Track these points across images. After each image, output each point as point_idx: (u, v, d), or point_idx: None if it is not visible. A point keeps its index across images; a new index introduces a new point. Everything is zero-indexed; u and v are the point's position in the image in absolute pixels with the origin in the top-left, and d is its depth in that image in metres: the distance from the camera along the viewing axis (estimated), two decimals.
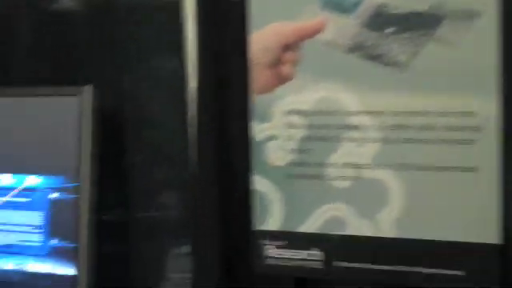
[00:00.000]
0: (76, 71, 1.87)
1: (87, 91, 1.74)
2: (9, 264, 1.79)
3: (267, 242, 1.60)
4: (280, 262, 1.59)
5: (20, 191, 1.79)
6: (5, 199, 1.81)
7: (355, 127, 1.50)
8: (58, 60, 1.90)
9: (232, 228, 1.66)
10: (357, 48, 1.49)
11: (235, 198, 1.65)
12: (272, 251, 1.60)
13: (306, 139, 1.55)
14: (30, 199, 1.78)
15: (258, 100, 1.58)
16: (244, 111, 1.60)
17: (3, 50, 1.96)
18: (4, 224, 1.81)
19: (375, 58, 1.47)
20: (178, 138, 1.75)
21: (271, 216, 1.59)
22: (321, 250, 1.55)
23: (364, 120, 1.49)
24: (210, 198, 1.68)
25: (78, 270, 1.70)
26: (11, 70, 1.96)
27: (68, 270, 1.71)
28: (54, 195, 1.75)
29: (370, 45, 1.48)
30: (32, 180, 1.78)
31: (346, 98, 1.50)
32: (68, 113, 1.75)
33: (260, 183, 1.59)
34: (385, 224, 1.49)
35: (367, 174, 1.50)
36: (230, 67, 1.63)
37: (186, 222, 1.75)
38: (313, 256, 1.56)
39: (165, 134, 1.80)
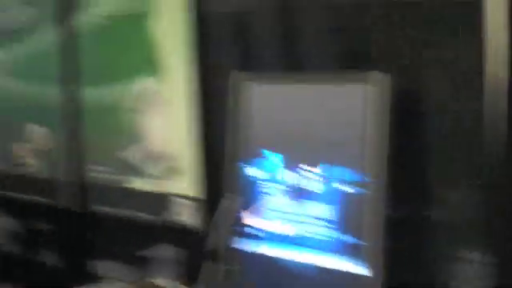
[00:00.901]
0: (369, 60, 1.77)
1: (376, 77, 1.62)
2: (299, 256, 1.76)
3: None
4: None
5: (312, 182, 1.74)
6: (298, 189, 1.76)
7: None
8: (349, 47, 1.82)
9: None
10: None
11: None
12: None
13: None
14: (321, 191, 1.72)
15: None
16: None
17: (293, 36, 1.91)
18: (295, 214, 1.77)
19: None
20: (475, 129, 1.60)
21: None
22: None
23: None
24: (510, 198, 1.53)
25: (370, 271, 1.62)
26: (301, 56, 1.91)
27: (359, 269, 1.64)
28: (347, 189, 1.67)
29: None
30: (324, 171, 1.72)
31: None
32: (360, 100, 1.65)
33: None
34: None
35: None
36: None
37: (482, 223, 1.61)
38: None
39: (461, 123, 1.64)
